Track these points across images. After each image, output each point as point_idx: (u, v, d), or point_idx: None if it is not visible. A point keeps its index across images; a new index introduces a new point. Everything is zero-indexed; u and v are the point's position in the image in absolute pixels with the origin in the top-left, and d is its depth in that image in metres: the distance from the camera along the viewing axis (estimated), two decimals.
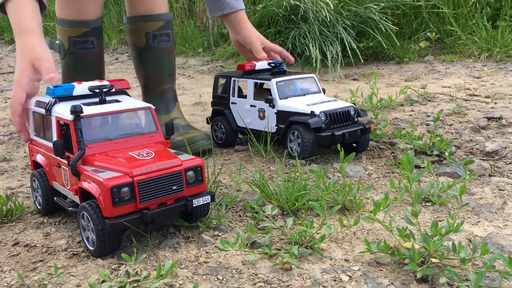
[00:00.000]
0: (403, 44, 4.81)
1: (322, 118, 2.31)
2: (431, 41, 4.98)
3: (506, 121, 2.86)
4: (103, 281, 1.36)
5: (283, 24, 4.81)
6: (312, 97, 2.56)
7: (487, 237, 1.54)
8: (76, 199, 1.61)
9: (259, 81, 2.57)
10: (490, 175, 2.10)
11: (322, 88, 2.67)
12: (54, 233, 1.69)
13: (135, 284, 1.35)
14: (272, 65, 2.67)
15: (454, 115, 3.07)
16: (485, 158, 2.29)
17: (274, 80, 2.48)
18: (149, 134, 1.74)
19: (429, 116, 3.07)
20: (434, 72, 4.36)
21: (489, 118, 2.92)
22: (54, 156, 1.61)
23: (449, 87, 3.83)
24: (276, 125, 2.46)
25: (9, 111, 1.88)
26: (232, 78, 2.68)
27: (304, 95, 2.57)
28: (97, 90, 1.74)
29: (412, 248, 1.38)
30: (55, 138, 1.68)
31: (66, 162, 1.60)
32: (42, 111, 1.75)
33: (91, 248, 1.53)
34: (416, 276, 1.35)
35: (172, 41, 2.61)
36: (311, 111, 2.33)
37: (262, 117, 2.52)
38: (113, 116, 1.70)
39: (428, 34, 4.88)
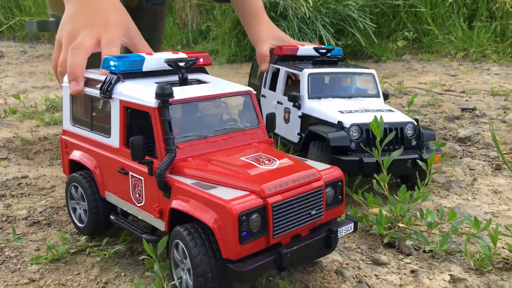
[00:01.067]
0: (381, 43, 4.84)
1: (354, 134, 1.59)
2: (409, 41, 5.02)
3: (480, 112, 2.88)
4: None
5: None
6: (361, 101, 1.82)
7: (455, 207, 1.53)
8: (160, 224, 1.16)
9: (290, 70, 1.93)
10: (461, 158, 2.10)
11: (383, 92, 1.93)
12: (16, 204, 1.64)
13: (95, 248, 1.31)
14: (322, 51, 2.00)
15: (429, 106, 3.09)
16: (457, 143, 2.30)
17: (306, 71, 1.80)
18: (250, 130, 1.26)
19: (404, 107, 3.09)
20: (411, 70, 4.39)
21: (463, 109, 2.94)
22: (132, 159, 1.10)
23: (425, 83, 3.86)
24: (298, 134, 1.82)
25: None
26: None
27: (350, 97, 1.84)
28: (180, 64, 1.24)
29: (379, 212, 1.36)
30: (115, 134, 1.23)
31: (146, 169, 1.13)
32: (94, 92, 1.28)
33: None
34: (383, 241, 1.34)
35: (165, 6, 2.26)
36: (339, 121, 1.61)
37: (287, 120, 1.90)
38: (206, 104, 1.23)
39: (406, 33, 4.92)
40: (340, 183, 1.15)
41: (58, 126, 2.62)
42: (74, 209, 1.41)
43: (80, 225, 1.39)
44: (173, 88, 1.14)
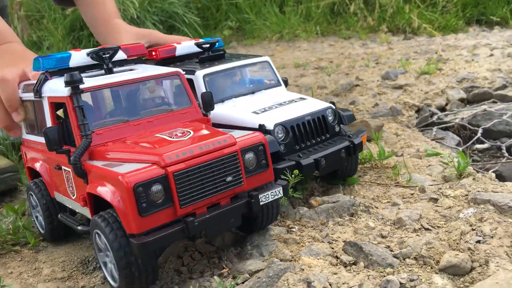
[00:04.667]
0: (209, 34, 5.33)
1: (280, 135, 1.45)
2: (233, 29, 5.58)
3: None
4: None
5: None
6: (267, 95, 1.67)
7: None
8: (86, 212, 1.16)
9: None
10: None
11: (283, 78, 1.81)
12: None
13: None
14: (204, 46, 1.73)
15: None
16: None
17: (200, 74, 1.58)
18: (181, 110, 1.26)
19: None
20: None
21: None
22: (48, 150, 1.11)
23: None
24: None
25: None
26: None
27: (253, 92, 1.68)
28: (101, 56, 1.25)
29: None
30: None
31: (66, 159, 1.13)
32: (31, 95, 1.31)
33: (114, 284, 1.09)
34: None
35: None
36: (260, 124, 1.44)
37: None
38: (128, 90, 1.23)
39: (230, 23, 5.47)
40: (261, 147, 1.12)
41: None
42: (36, 217, 1.48)
43: (42, 230, 1.46)
44: (96, 78, 1.20)
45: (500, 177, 2.15)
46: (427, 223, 1.28)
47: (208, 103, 1.29)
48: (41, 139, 1.29)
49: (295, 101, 1.61)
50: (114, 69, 1.27)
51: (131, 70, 1.32)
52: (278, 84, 1.77)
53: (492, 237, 1.15)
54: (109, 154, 1.09)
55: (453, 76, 3.21)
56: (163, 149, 1.02)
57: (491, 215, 1.25)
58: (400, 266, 1.09)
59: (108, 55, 1.26)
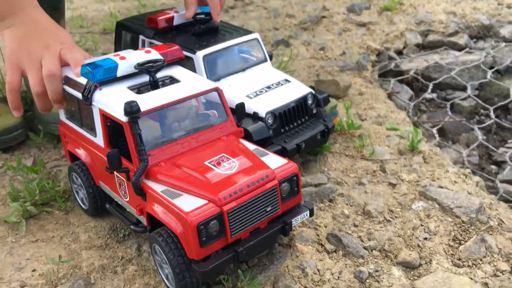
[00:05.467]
0: None
1: (269, 122, 1.69)
2: None
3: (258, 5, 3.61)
4: None
5: None
6: (255, 74, 1.88)
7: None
8: (142, 219, 1.38)
9: None
10: None
11: (268, 52, 1.99)
12: None
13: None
14: (198, 16, 1.89)
15: None
16: None
17: (200, 54, 1.74)
18: (220, 125, 1.42)
19: None
20: None
21: None
22: (110, 170, 1.33)
23: None
24: None
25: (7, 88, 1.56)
26: (141, 37, 1.96)
27: (244, 69, 1.88)
28: (148, 68, 1.40)
29: None
30: (100, 135, 1.41)
31: (124, 175, 1.34)
32: (76, 94, 1.46)
33: (170, 286, 1.33)
34: None
35: None
36: (254, 112, 1.68)
37: None
38: (175, 107, 1.36)
39: None
40: (295, 177, 1.32)
41: None
42: (77, 192, 1.68)
43: (83, 206, 1.68)
44: (143, 95, 1.34)
45: (442, 130, 2.58)
46: (388, 213, 1.67)
47: (240, 113, 1.45)
48: (86, 133, 1.50)
49: (281, 84, 1.85)
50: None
51: (171, 78, 1.47)
52: (265, 60, 1.97)
53: (435, 234, 1.57)
54: (164, 177, 1.27)
55: (412, 15, 3.47)
56: (218, 187, 1.21)
57: (436, 213, 1.65)
58: (369, 258, 1.49)
59: (155, 68, 1.40)
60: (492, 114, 2.63)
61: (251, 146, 1.43)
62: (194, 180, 1.25)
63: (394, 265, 1.47)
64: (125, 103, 1.25)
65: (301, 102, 1.80)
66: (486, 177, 2.39)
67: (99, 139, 1.45)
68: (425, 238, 1.55)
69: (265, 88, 1.81)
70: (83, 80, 1.44)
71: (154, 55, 1.46)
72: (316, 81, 2.58)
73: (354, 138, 2.15)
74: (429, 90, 2.81)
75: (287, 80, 1.90)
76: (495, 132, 2.68)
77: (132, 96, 1.36)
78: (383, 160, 2.01)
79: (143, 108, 1.29)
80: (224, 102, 1.43)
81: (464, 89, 2.90)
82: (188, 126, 1.39)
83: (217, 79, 1.80)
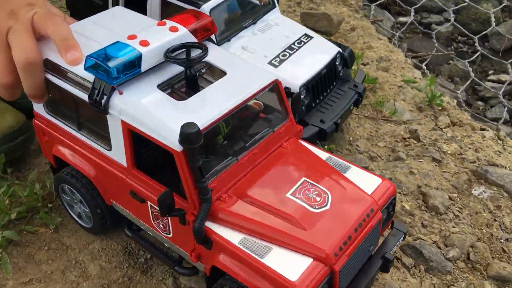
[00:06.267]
0: None
1: (302, 97, 1.39)
2: None
3: None
4: None
5: None
6: (269, 28, 1.53)
7: None
8: (199, 265, 1.04)
9: (179, 3, 1.44)
10: None
11: None
12: None
13: None
14: None
15: None
16: None
17: (206, 7, 1.41)
18: (280, 128, 1.06)
19: None
20: None
21: None
22: (160, 216, 0.95)
23: None
24: None
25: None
26: None
27: (254, 22, 1.53)
28: (186, 62, 0.99)
29: None
30: (120, 152, 1.01)
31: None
32: (69, 88, 1.03)
33: None
34: None
35: None
36: (286, 87, 1.34)
37: None
38: (232, 116, 0.98)
39: None
40: (394, 200, 1.06)
41: None
42: (71, 206, 1.29)
43: (84, 225, 1.29)
44: (187, 102, 0.95)
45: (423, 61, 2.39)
46: (452, 205, 1.46)
47: (296, 106, 1.11)
48: (91, 141, 1.08)
49: (304, 42, 1.50)
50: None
51: (208, 66, 1.07)
52: (273, 6, 1.61)
53: None
54: (235, 219, 0.94)
55: None
56: (320, 236, 0.91)
57: (506, 202, 1.47)
58: (455, 271, 1.29)
59: (191, 61, 0.99)
60: (477, 45, 2.47)
61: (322, 154, 1.10)
62: (282, 225, 0.92)
63: (485, 279, 1.30)
64: (182, 128, 0.85)
65: (331, 67, 1.48)
66: (476, 115, 2.29)
67: (118, 155, 1.04)
68: (507, 239, 1.38)
69: (287, 50, 1.46)
70: (79, 69, 1.00)
71: (184, 34, 1.02)
72: (302, 13, 2.18)
73: (367, 93, 1.86)
74: (412, 17, 2.54)
75: (308, 36, 1.54)
76: (474, 62, 2.53)
77: (173, 104, 0.96)
78: (406, 121, 1.77)
79: (201, 125, 0.90)
80: (283, 95, 1.06)
81: (439, 12, 2.68)
82: (247, 136, 1.03)
83: (227, 39, 1.45)
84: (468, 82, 2.31)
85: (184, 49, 1.01)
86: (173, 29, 1.02)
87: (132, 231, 1.21)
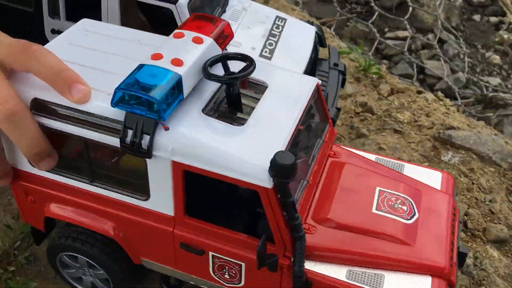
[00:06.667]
0: None
1: None
2: None
3: None
4: None
5: None
6: (238, 13, 1.38)
7: None
8: None
9: None
10: None
11: None
12: None
13: None
14: None
15: None
16: None
17: (183, 1, 1.22)
18: (326, 136, 0.95)
19: None
20: None
21: None
22: (257, 269, 0.78)
23: None
24: None
25: None
26: None
27: (224, 10, 1.37)
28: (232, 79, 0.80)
29: None
30: (166, 196, 0.82)
31: (248, 253, 0.82)
32: (94, 135, 0.80)
33: None
34: None
35: None
36: None
37: None
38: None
39: None
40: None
41: None
42: (78, 278, 1.04)
43: None
44: (247, 127, 0.79)
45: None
46: None
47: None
48: (107, 192, 0.87)
49: (282, 26, 1.39)
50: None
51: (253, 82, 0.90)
52: None
53: (491, 191, 1.45)
54: (329, 251, 0.82)
55: None
56: (428, 249, 0.84)
57: (477, 164, 1.52)
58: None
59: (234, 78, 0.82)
60: (374, 5, 2.51)
61: (369, 156, 1.01)
62: (385, 246, 0.83)
63: (486, 244, 1.33)
64: (276, 161, 0.71)
65: (314, 48, 1.38)
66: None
67: (159, 204, 0.85)
68: (490, 201, 1.43)
69: (270, 38, 1.34)
70: (94, 106, 0.80)
71: (211, 45, 0.84)
72: None
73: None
74: None
75: (280, 18, 1.42)
76: (372, 22, 2.58)
77: (234, 132, 0.79)
78: (351, 94, 1.73)
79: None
80: (322, 97, 0.95)
81: None
82: (309, 154, 0.91)
83: None
84: (376, 43, 2.34)
85: (218, 63, 0.83)
86: (198, 41, 0.83)
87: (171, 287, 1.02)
